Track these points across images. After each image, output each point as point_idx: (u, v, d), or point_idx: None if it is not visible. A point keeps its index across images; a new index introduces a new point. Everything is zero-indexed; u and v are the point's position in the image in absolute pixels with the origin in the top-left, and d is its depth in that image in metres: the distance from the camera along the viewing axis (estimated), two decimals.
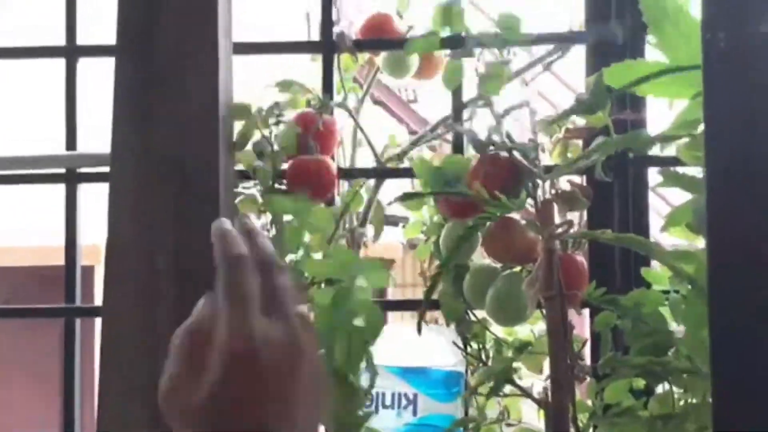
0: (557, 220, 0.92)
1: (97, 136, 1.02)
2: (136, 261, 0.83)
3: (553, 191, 0.93)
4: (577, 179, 0.98)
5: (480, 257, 0.95)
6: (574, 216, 0.97)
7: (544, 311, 0.80)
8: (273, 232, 0.95)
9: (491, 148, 0.84)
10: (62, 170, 1.01)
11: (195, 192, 0.82)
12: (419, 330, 0.77)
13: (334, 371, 0.75)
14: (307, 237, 0.95)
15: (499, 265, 0.91)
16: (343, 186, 1.03)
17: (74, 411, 0.98)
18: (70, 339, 1.00)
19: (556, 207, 0.93)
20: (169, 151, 0.83)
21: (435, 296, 0.95)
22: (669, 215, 0.79)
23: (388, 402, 0.87)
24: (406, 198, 0.82)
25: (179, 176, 0.82)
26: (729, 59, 0.55)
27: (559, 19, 1.03)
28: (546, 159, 0.95)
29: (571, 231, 0.76)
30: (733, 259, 0.55)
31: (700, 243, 0.85)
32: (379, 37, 1.06)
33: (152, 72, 0.83)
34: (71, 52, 1.00)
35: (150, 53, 0.83)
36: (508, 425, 0.86)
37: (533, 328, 0.93)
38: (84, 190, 1.02)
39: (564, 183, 0.95)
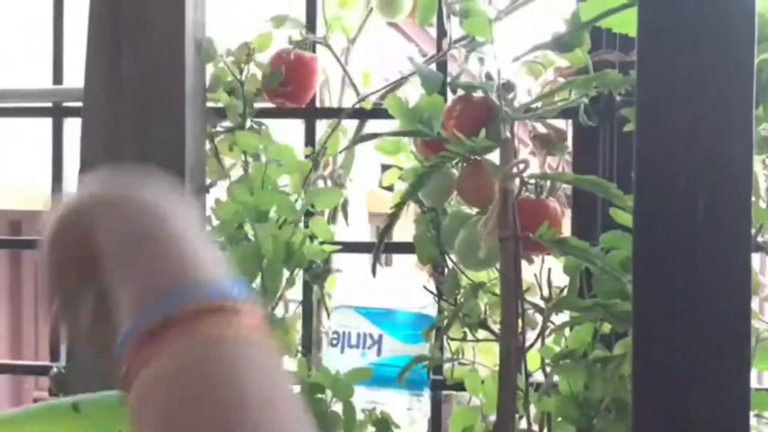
0: (538, 163, 0.90)
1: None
2: None
3: (532, 134, 0.91)
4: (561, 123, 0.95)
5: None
6: (555, 160, 0.94)
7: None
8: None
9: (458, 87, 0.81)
10: (49, 104, 1.02)
11: (161, 114, 0.83)
12: (374, 271, 0.76)
13: None
14: (285, 178, 0.95)
15: (474, 210, 0.90)
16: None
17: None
18: None
19: (536, 150, 0.90)
20: (136, 77, 0.83)
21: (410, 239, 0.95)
22: None
23: (353, 342, 0.87)
24: (362, 140, 0.81)
25: (146, 102, 0.83)
26: None
27: None
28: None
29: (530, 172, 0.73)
30: (659, 201, 0.52)
31: None
32: None
33: (119, 5, 0.83)
34: None
35: None
36: (461, 364, 0.85)
37: None
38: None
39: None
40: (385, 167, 1.03)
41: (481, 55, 0.90)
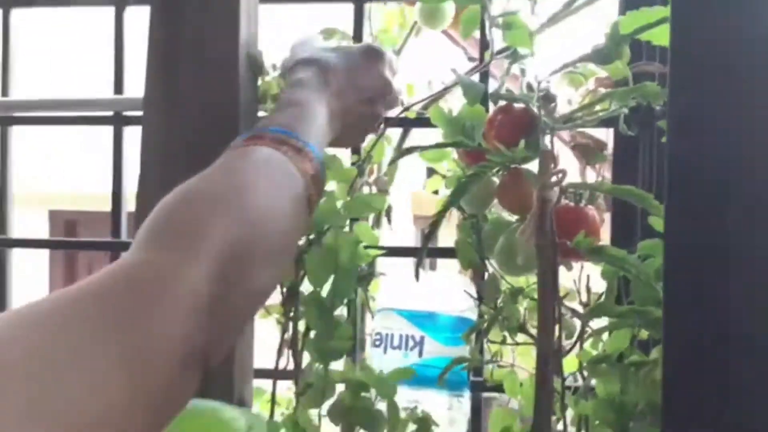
0: (579, 169, 0.92)
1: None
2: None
3: (572, 144, 0.93)
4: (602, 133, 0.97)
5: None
6: (596, 170, 0.96)
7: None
8: None
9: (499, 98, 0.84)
10: (110, 113, 1.08)
11: (215, 126, 0.87)
12: (417, 275, 0.79)
13: (321, 304, 0.79)
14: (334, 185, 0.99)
15: (514, 217, 0.92)
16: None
17: None
18: None
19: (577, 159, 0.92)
20: (192, 93, 0.87)
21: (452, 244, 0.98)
22: None
23: (395, 343, 0.91)
24: (405, 153, 0.84)
25: (201, 114, 0.87)
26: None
27: None
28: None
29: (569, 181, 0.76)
30: (690, 215, 0.54)
31: None
32: None
33: (179, 23, 0.88)
34: (119, 1, 1.06)
35: (177, 6, 0.88)
36: (500, 367, 0.87)
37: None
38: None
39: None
40: (430, 170, 1.06)
41: (522, 66, 0.93)
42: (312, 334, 0.87)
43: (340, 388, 0.90)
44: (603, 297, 0.80)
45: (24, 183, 1.16)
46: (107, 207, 1.07)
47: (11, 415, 0.34)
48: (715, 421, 0.54)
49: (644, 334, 0.83)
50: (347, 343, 0.83)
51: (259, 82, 0.93)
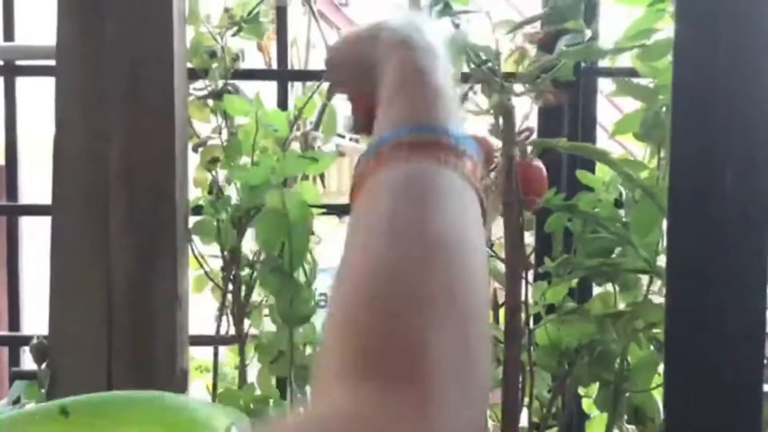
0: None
1: (37, 29, 0.98)
2: (85, 161, 0.81)
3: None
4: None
5: None
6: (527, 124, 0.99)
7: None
8: (224, 134, 0.94)
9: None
10: None
11: (148, 88, 0.80)
12: None
13: (280, 270, 0.77)
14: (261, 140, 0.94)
15: None
16: (297, 89, 1.01)
17: None
18: None
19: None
20: (121, 49, 0.79)
21: None
22: (617, 123, 0.81)
23: None
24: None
25: (132, 74, 0.80)
26: None
27: None
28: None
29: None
30: (692, 171, 0.57)
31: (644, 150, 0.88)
32: None
33: None
34: None
35: None
36: None
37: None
38: None
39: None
40: None
41: (457, 22, 0.92)
42: (264, 300, 0.84)
43: None
44: (555, 248, 0.84)
45: None
46: None
47: None
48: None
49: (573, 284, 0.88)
50: (311, 306, 0.81)
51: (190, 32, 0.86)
